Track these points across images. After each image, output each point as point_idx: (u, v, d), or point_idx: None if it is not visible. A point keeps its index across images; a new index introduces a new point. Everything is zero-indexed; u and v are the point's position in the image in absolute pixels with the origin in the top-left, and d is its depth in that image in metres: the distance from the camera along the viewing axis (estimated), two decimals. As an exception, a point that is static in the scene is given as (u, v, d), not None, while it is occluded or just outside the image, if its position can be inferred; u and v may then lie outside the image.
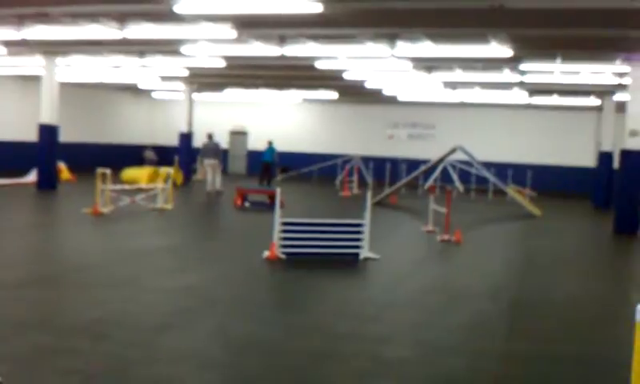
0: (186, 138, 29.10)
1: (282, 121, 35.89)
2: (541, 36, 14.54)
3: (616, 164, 20.02)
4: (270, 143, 28.73)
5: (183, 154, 28.49)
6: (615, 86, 21.30)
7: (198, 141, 28.15)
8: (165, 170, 20.00)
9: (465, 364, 6.43)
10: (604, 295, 10.09)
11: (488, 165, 26.82)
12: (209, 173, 23.62)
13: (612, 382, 5.84)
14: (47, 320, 7.30)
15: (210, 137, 23.92)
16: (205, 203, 21.14)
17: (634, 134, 17.23)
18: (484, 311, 8.61)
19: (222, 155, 24.03)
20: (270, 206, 15.59)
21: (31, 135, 23.20)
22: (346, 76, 21.65)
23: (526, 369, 6.44)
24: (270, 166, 28.19)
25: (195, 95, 30.77)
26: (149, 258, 11.38)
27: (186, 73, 24.00)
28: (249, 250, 12.15)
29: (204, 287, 9.24)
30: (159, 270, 10.33)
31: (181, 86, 28.89)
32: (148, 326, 7.17)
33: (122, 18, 14.12)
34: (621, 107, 22.96)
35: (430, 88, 25.23)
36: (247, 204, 20.05)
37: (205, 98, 34.51)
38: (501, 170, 28.53)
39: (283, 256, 11.41)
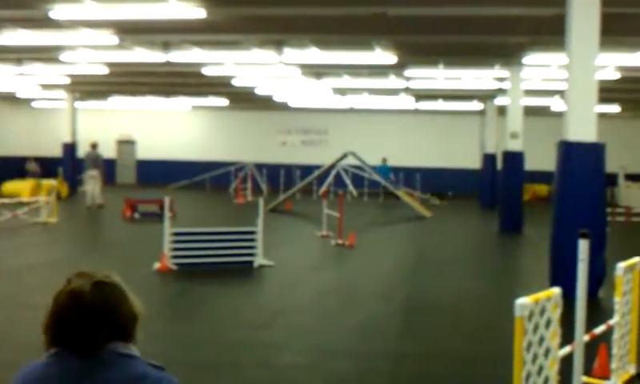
0: (70, 148, 27.92)
1: (171, 129, 35.16)
2: (423, 43, 14.96)
3: (499, 165, 20.87)
4: (385, 160, 27.74)
5: (67, 165, 27.32)
6: (496, 90, 22.26)
7: (84, 151, 27.11)
8: (48, 182, 19.14)
9: (357, 366, 6.46)
10: (490, 292, 10.45)
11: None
12: (89, 184, 21.90)
13: (496, 375, 6.02)
14: None
15: (93, 146, 22.73)
16: (92, 215, 20.36)
17: (513, 136, 18.05)
18: (377, 313, 8.71)
19: (103, 166, 22.59)
20: (161, 216, 15.20)
21: None
22: (235, 82, 21.48)
23: (416, 368, 6.55)
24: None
25: (78, 104, 29.58)
26: (31, 273, 10.81)
27: (68, 80, 23.05)
28: (138, 262, 11.78)
29: (90, 303, 8.85)
30: (42, 286, 9.80)
31: (63, 94, 27.73)
32: (27, 344, 6.77)
33: (-5, 24, 13.37)
34: (502, 110, 24.00)
35: (320, 94, 25.46)
36: (137, 215, 19.48)
37: (89, 107, 33.29)
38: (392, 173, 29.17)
39: (175, 267, 11.14)
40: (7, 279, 10.30)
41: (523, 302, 3.96)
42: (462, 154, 32.28)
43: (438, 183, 31.05)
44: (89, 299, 1.70)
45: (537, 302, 4.12)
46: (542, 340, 4.22)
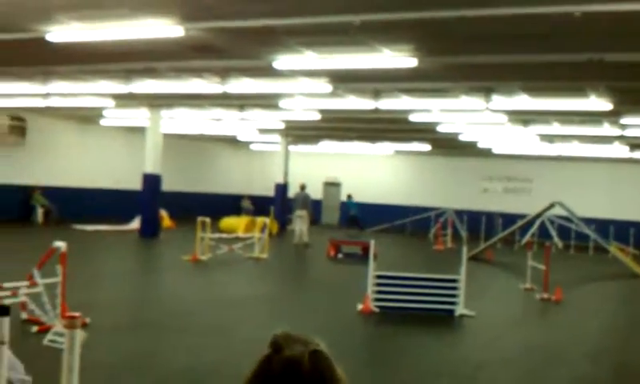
0: (282, 188, 29.64)
1: (374, 172, 35.99)
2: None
3: None
4: (349, 196, 31.95)
5: (279, 205, 28.97)
6: None
7: (294, 192, 28.58)
8: (261, 220, 20.35)
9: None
10: None
11: (588, 221, 25.82)
12: (297, 224, 22.94)
13: None
14: (143, 365, 7.52)
15: (302, 188, 23.81)
16: (298, 253, 21.35)
17: None
18: (584, 375, 8.25)
19: (311, 207, 23.57)
20: (363, 258, 15.61)
21: (135, 184, 24.07)
22: (440, 129, 21.59)
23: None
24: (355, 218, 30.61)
25: (291, 147, 31.42)
26: (244, 306, 11.57)
27: (283, 125, 24.59)
28: (342, 301, 12.15)
29: (297, 338, 9.26)
30: (254, 319, 10.47)
31: (277, 138, 29.59)
32: (240, 376, 7.26)
33: (223, 73, 14.71)
34: None
35: (526, 141, 24.77)
36: (340, 255, 20.13)
37: (300, 150, 35.15)
38: (602, 226, 27.37)
39: (377, 309, 11.35)
40: (222, 310, 11.08)
41: None
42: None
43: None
44: (308, 370, 1.47)
45: None
46: None
